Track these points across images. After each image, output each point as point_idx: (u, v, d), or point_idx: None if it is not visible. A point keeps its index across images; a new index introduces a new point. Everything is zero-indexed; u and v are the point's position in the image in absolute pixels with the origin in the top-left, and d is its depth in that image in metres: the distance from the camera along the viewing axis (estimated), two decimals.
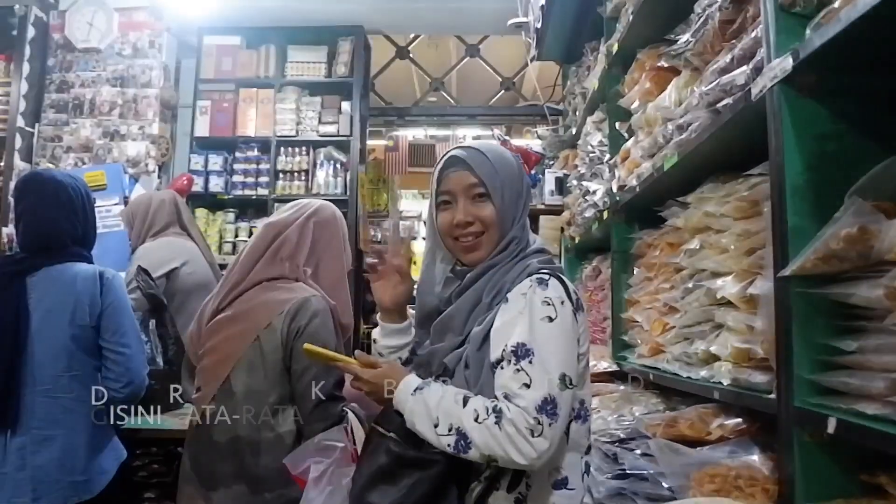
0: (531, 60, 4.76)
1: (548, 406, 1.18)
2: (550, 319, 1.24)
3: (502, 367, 1.24)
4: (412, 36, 5.90)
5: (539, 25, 4.14)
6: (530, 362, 1.21)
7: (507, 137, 1.55)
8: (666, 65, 2.04)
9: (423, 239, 7.48)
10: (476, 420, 1.20)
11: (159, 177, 4.62)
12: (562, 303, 1.27)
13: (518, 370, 1.21)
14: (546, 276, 1.29)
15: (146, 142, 4.55)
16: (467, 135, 7.61)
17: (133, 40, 4.66)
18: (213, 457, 1.79)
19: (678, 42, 1.78)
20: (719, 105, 1.51)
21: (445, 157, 1.43)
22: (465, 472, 1.27)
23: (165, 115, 4.69)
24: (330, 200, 4.73)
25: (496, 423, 1.18)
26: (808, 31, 1.14)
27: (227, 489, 1.75)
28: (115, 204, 3.99)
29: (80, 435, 1.99)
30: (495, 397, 1.22)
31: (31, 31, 4.57)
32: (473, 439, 1.19)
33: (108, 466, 2.04)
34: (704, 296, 1.56)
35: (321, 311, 1.82)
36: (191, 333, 1.99)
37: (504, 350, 1.24)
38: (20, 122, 4.51)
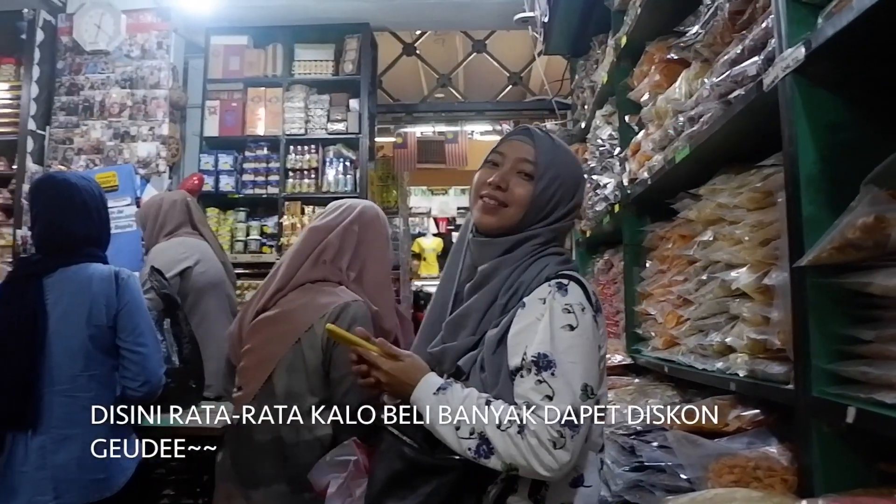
0: (538, 55, 4.75)
1: (571, 418, 1.16)
2: (571, 328, 1.21)
3: (522, 376, 1.21)
4: (418, 32, 5.90)
5: (546, 19, 4.13)
6: (552, 374, 1.18)
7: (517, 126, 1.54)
8: (675, 57, 2.03)
9: (434, 235, 7.47)
10: (499, 427, 1.18)
11: (170, 177, 4.64)
12: (582, 309, 1.24)
13: (540, 381, 1.18)
14: (565, 281, 1.26)
15: (156, 142, 4.57)
16: (475, 130, 7.63)
17: (141, 42, 4.68)
18: (253, 455, 1.80)
19: (687, 34, 1.77)
20: (731, 96, 1.51)
21: (517, 127, 1.42)
22: (482, 476, 1.24)
23: (175, 115, 4.72)
24: (340, 198, 4.75)
25: (519, 432, 1.16)
26: (819, 21, 1.14)
27: (267, 488, 1.77)
28: (127, 205, 4.01)
29: (99, 434, 2.01)
30: (516, 404, 1.20)
31: (39, 35, 4.60)
32: (496, 446, 1.17)
33: (127, 465, 2.06)
34: (719, 287, 1.56)
35: (361, 316, 1.79)
36: (231, 333, 2.00)
37: (524, 359, 1.21)
38: (31, 126, 4.54)
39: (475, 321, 1.32)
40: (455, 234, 10.54)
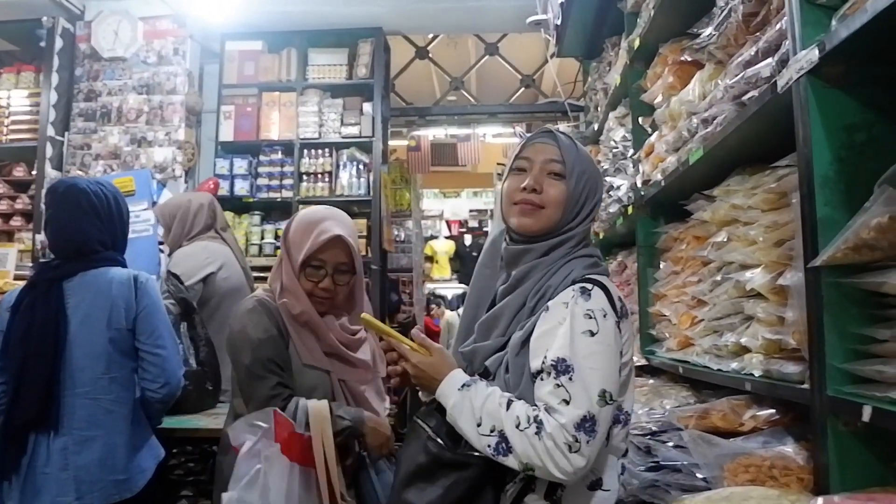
0: (551, 57, 4.76)
1: (586, 423, 1.17)
2: (592, 334, 1.22)
3: (542, 379, 1.23)
4: (431, 36, 5.92)
5: (559, 22, 4.14)
6: (570, 379, 1.19)
7: (528, 135, 1.56)
8: (689, 59, 2.04)
9: (446, 238, 7.47)
10: (517, 427, 1.20)
11: (186, 181, 4.68)
12: (604, 315, 1.25)
13: (558, 385, 1.20)
14: (589, 286, 1.27)
15: (173, 147, 4.63)
16: (488, 133, 7.64)
17: (157, 48, 4.73)
18: None
19: (701, 36, 1.78)
20: (745, 98, 1.51)
21: (536, 131, 1.44)
22: (501, 474, 1.26)
23: (191, 120, 4.76)
24: (353, 201, 4.78)
25: (536, 433, 1.18)
26: (833, 23, 1.14)
27: None
28: (144, 209, 4.05)
29: (119, 435, 2.04)
30: (536, 406, 1.22)
31: (58, 43, 4.66)
32: (514, 445, 1.19)
33: (146, 465, 2.09)
34: (733, 288, 1.57)
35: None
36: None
37: (544, 362, 1.23)
38: (50, 132, 4.61)
39: (505, 323, 1.35)
40: (468, 237, 10.61)
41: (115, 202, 2.19)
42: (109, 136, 4.66)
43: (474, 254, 9.75)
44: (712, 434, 1.41)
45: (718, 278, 1.66)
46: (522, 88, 6.11)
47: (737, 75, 1.54)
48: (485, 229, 10.71)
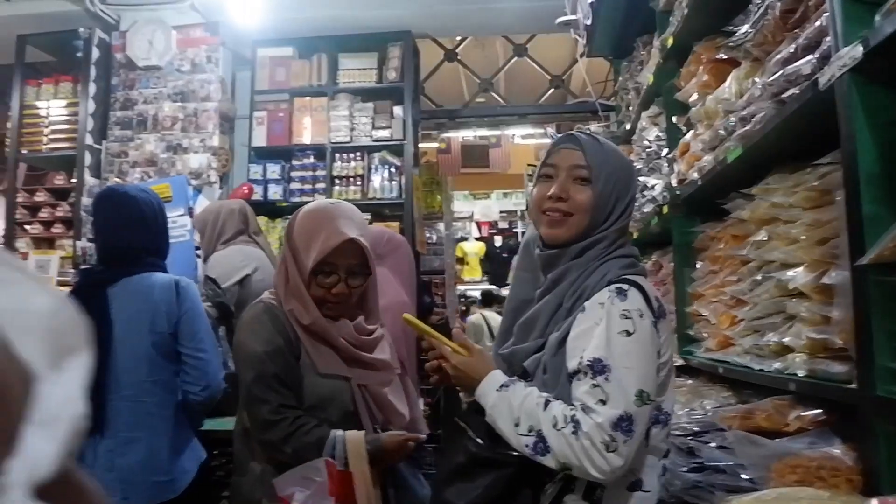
0: (581, 57, 4.74)
1: (623, 423, 1.17)
2: (628, 334, 1.22)
3: (579, 380, 1.23)
4: (459, 38, 5.93)
5: (589, 22, 4.12)
6: (607, 379, 1.20)
7: (559, 135, 1.56)
8: (724, 56, 2.02)
9: (476, 239, 7.46)
10: (555, 427, 1.20)
11: (221, 187, 4.75)
12: (640, 315, 1.25)
13: (595, 385, 1.20)
14: (626, 287, 1.27)
15: (207, 154, 4.70)
16: (517, 134, 7.62)
17: (191, 56, 4.81)
18: None
19: (737, 33, 1.77)
20: (784, 95, 1.50)
21: (560, 136, 1.44)
22: (539, 474, 1.27)
23: (224, 126, 4.84)
24: (385, 204, 4.80)
25: (573, 433, 1.18)
26: (877, 19, 1.13)
27: None
28: (181, 215, 4.11)
29: (162, 437, 2.08)
30: (573, 406, 1.22)
31: (95, 53, 4.76)
32: (551, 445, 1.20)
33: (189, 467, 2.13)
34: (774, 287, 1.55)
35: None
36: None
37: (580, 362, 1.23)
38: (88, 140, 4.71)
39: (542, 325, 1.36)
40: (498, 239, 10.60)
41: (159, 209, 2.24)
42: (146, 143, 4.76)
43: (504, 255, 9.74)
44: (757, 434, 1.39)
45: (759, 277, 1.64)
46: (552, 89, 6.09)
47: (776, 73, 1.52)
48: (514, 230, 10.70)
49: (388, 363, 1.82)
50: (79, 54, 4.77)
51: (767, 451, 1.31)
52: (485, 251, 10.08)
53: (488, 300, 7.42)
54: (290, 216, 5.22)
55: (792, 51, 1.46)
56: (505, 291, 8.02)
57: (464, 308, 7.93)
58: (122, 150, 4.79)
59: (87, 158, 4.71)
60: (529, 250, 1.47)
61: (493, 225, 11.06)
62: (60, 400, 0.37)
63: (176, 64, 4.80)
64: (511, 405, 1.26)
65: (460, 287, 8.31)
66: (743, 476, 1.34)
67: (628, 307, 1.24)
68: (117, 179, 4.62)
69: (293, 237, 1.74)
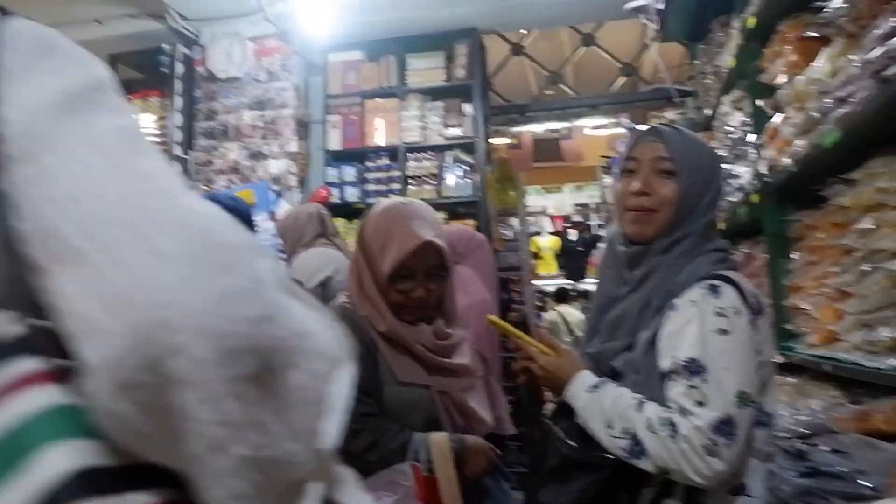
0: (652, 41, 4.62)
1: (724, 426, 1.13)
2: (724, 332, 1.18)
3: (673, 380, 1.20)
4: (524, 31, 5.88)
5: (661, 6, 4.02)
6: (704, 380, 1.16)
7: (635, 125, 1.52)
8: (813, 34, 1.93)
9: (549, 233, 7.38)
10: (650, 429, 1.17)
11: (300, 191, 4.88)
12: (736, 312, 1.20)
13: (691, 386, 1.16)
14: (718, 283, 1.23)
15: (286, 159, 4.83)
16: (588, 125, 7.50)
17: (266, 66, 4.95)
18: None
19: (827, 9, 1.69)
20: (887, 72, 1.42)
21: (642, 130, 1.41)
22: (636, 477, 1.23)
23: (300, 132, 4.96)
24: (460, 202, 4.80)
25: (671, 436, 1.15)
26: None
27: None
28: (264, 220, 4.26)
29: None
30: (668, 407, 1.19)
31: (179, 68, 4.96)
32: (647, 447, 1.17)
33: None
34: (885, 278, 1.47)
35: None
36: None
37: (675, 362, 1.20)
38: (177, 151, 4.92)
39: (630, 323, 1.32)
40: (572, 232, 10.46)
41: (248, 216, 2.32)
42: (229, 152, 4.93)
43: (579, 249, 9.61)
44: (873, 437, 1.31)
45: (867, 268, 1.56)
46: (622, 77, 5.97)
47: (875, 49, 1.44)
48: (589, 223, 10.54)
49: (468, 368, 1.73)
50: (164, 69, 4.97)
51: (890, 456, 1.23)
52: (560, 245, 9.98)
53: (563, 296, 7.35)
54: None
55: (894, 24, 1.38)
56: (580, 286, 7.92)
57: (540, 304, 7.88)
58: (208, 159, 4.97)
59: (177, 168, 4.88)
60: (613, 247, 1.44)
61: (566, 219, 10.93)
62: (340, 396, 0.47)
63: (253, 74, 4.95)
64: (603, 406, 1.24)
65: (535, 282, 8.25)
66: (863, 483, 1.27)
67: (723, 304, 1.20)
68: (205, 188, 4.80)
69: (366, 240, 1.67)
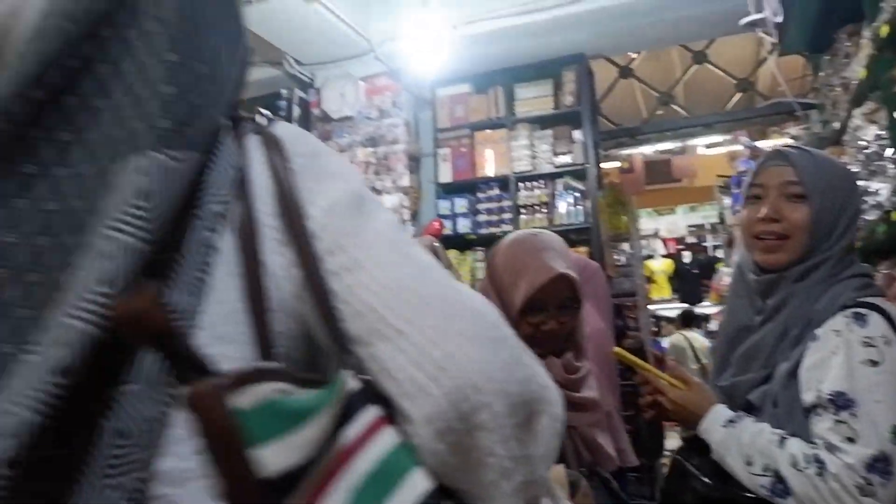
0: (769, 54, 4.44)
1: (879, 464, 1.06)
2: (874, 363, 1.12)
3: (818, 415, 1.14)
4: (632, 54, 5.81)
5: (779, 19, 3.87)
6: (853, 414, 1.10)
7: (755, 144, 1.47)
8: None
9: (662, 256, 7.16)
10: (794, 467, 1.12)
11: (413, 224, 5.00)
12: (887, 343, 1.13)
13: (839, 422, 1.11)
14: (864, 311, 1.16)
15: (399, 193, 4.98)
16: (701, 144, 7.27)
17: (378, 103, 5.14)
18: None
19: None
20: None
21: (767, 153, 1.36)
22: None
23: (412, 166, 5.10)
24: (572, 229, 4.76)
25: (818, 474, 1.09)
26: None
27: None
28: None
29: None
30: (813, 444, 1.13)
31: (296, 111, 5.24)
32: (792, 486, 1.11)
33: None
34: None
35: None
36: None
37: (819, 396, 1.14)
38: None
39: (766, 354, 1.27)
40: (686, 255, 10.11)
41: None
42: None
43: (694, 271, 9.28)
44: None
45: None
46: (738, 93, 5.76)
47: None
48: (704, 244, 10.16)
49: (597, 402, 1.67)
50: (282, 113, 5.27)
51: None
52: (674, 268, 9.66)
53: (688, 320, 7.02)
54: (479, 248, 5.34)
55: None
56: (700, 310, 7.60)
57: (655, 329, 7.63)
58: None
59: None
60: (743, 275, 1.39)
61: (679, 241, 10.59)
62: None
63: (365, 112, 5.14)
64: (741, 442, 1.19)
65: (650, 307, 8.01)
66: None
67: (871, 334, 1.13)
68: None
69: (496, 273, 1.64)
